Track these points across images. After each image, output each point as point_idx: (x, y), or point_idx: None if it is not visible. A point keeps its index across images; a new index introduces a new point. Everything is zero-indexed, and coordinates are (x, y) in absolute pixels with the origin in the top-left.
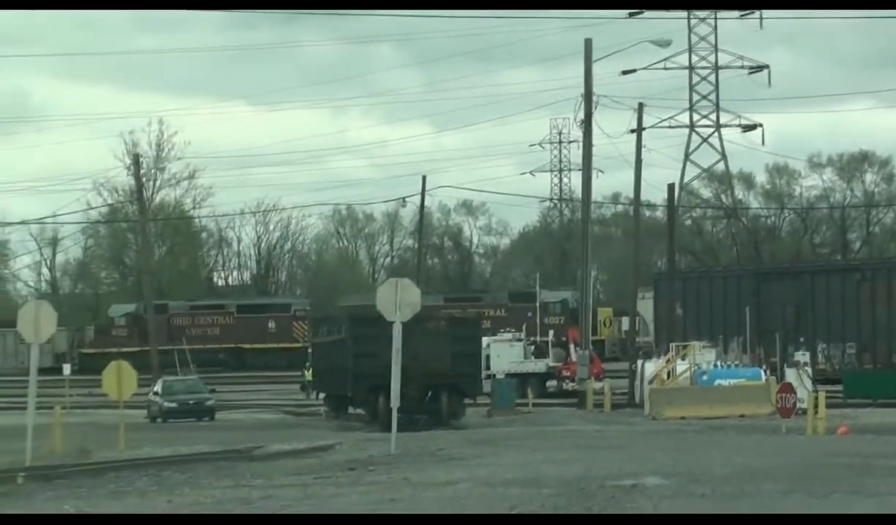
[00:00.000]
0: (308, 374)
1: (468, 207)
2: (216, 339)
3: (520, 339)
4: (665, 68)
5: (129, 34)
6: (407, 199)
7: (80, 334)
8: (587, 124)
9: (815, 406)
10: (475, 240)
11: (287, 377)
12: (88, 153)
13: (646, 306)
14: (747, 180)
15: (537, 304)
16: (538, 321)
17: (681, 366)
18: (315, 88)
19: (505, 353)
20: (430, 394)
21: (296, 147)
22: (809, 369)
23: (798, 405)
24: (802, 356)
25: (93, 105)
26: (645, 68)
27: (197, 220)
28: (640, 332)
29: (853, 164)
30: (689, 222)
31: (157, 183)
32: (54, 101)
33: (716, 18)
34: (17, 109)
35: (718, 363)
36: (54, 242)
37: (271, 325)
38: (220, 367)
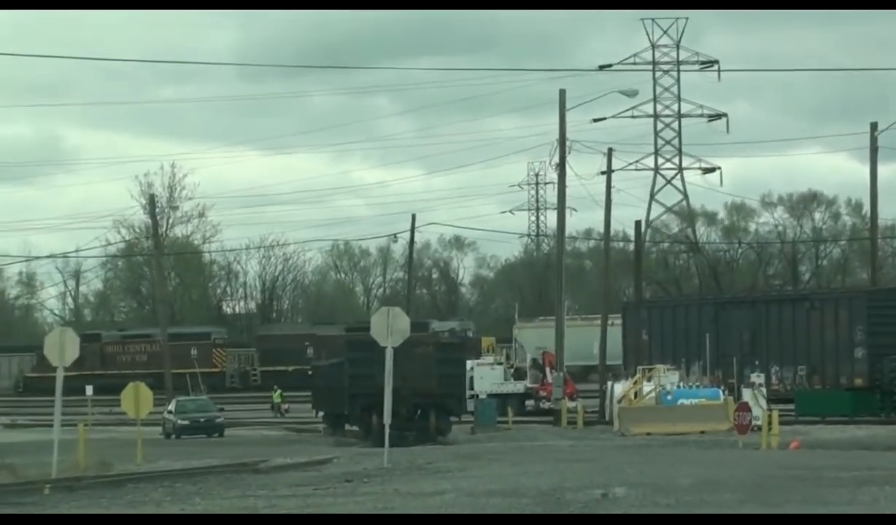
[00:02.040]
0: (276, 396)
1: (457, 243)
2: (144, 365)
3: (500, 363)
4: (632, 116)
5: (150, 85)
6: (398, 236)
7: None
8: (561, 167)
9: (770, 423)
10: (461, 272)
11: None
12: (110, 194)
13: (525, 334)
14: (710, 218)
15: (429, 332)
16: None
17: (647, 387)
18: (318, 135)
19: (487, 375)
20: (419, 412)
21: (299, 187)
22: (764, 389)
23: (754, 422)
24: (757, 377)
25: (116, 150)
26: (614, 116)
27: (207, 255)
28: (516, 357)
29: (802, 204)
30: (654, 256)
31: (171, 220)
32: (83, 147)
33: (678, 71)
34: (50, 154)
35: (681, 384)
36: (77, 275)
37: (193, 351)
38: (228, 391)
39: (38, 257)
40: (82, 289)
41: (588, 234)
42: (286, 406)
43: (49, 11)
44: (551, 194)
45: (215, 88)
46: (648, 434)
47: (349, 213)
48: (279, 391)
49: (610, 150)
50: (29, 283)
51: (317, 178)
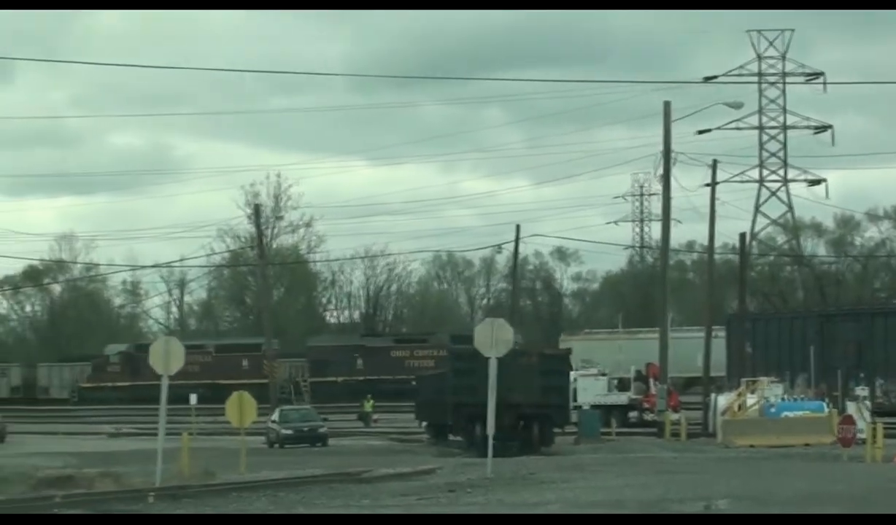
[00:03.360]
0: (368, 405)
1: (560, 254)
2: (195, 376)
3: (604, 374)
4: (737, 128)
5: (262, 95)
6: (502, 247)
7: (80, 370)
8: (666, 179)
9: (874, 436)
10: (565, 283)
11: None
12: (218, 204)
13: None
14: (818, 230)
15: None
16: None
17: (751, 399)
18: (427, 145)
19: (590, 387)
20: (522, 423)
21: (407, 198)
22: (868, 402)
23: (858, 435)
24: (862, 390)
25: (226, 160)
26: (719, 128)
27: (312, 264)
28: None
29: None
30: (765, 268)
31: (276, 230)
32: (193, 157)
33: (784, 83)
34: (160, 163)
35: (785, 397)
36: (182, 284)
37: (244, 363)
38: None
39: (142, 266)
40: (187, 298)
41: (691, 246)
42: (376, 416)
43: (160, 20)
44: (655, 206)
45: (326, 99)
46: (752, 446)
47: (456, 223)
48: (371, 401)
49: (714, 161)
50: (134, 291)
51: (425, 188)
